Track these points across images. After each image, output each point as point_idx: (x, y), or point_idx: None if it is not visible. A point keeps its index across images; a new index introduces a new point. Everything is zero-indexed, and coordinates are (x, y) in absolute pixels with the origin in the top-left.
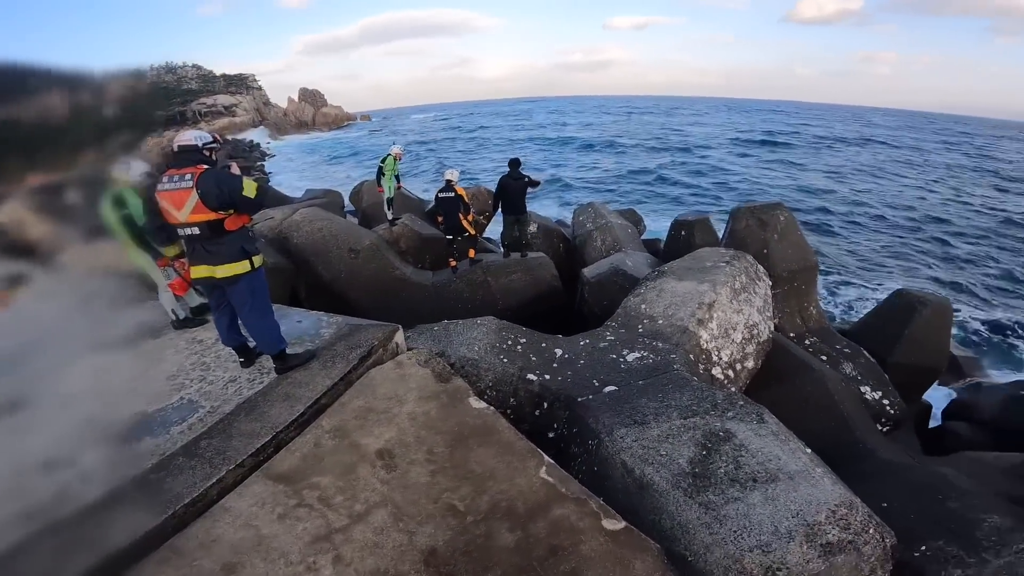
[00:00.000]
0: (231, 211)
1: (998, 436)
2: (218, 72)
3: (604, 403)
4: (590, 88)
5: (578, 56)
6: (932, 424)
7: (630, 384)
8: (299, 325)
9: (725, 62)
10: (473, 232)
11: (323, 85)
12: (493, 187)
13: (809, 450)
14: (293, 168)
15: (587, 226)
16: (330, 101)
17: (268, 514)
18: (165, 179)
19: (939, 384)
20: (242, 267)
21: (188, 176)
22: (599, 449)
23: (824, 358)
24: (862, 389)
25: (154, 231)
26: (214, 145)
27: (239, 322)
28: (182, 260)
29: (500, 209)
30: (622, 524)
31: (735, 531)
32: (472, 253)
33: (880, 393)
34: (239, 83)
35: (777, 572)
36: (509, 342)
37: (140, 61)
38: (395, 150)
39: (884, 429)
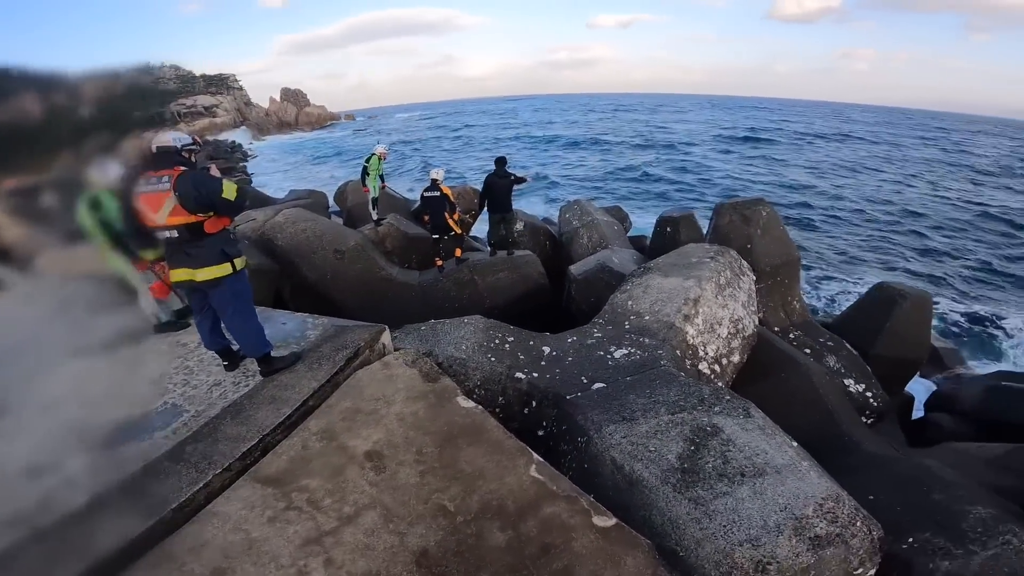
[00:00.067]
0: (210, 213)
1: (980, 427)
2: (198, 72)
3: (592, 400)
4: (575, 86)
5: (563, 54)
6: (915, 416)
7: (618, 380)
8: (284, 327)
9: (708, 59)
10: (459, 231)
11: (306, 85)
12: (479, 186)
13: (795, 443)
14: (276, 168)
15: (573, 223)
16: (313, 101)
17: (257, 517)
18: (143, 181)
19: (920, 376)
20: (223, 270)
21: (166, 178)
22: (588, 446)
23: (808, 351)
24: (846, 382)
25: (132, 234)
26: (193, 147)
27: (222, 325)
28: (162, 263)
29: (486, 208)
30: (613, 521)
31: (724, 526)
32: (459, 252)
33: (863, 386)
34: (219, 83)
35: (767, 567)
36: (497, 341)
37: (117, 61)
38: (380, 149)
39: (868, 421)
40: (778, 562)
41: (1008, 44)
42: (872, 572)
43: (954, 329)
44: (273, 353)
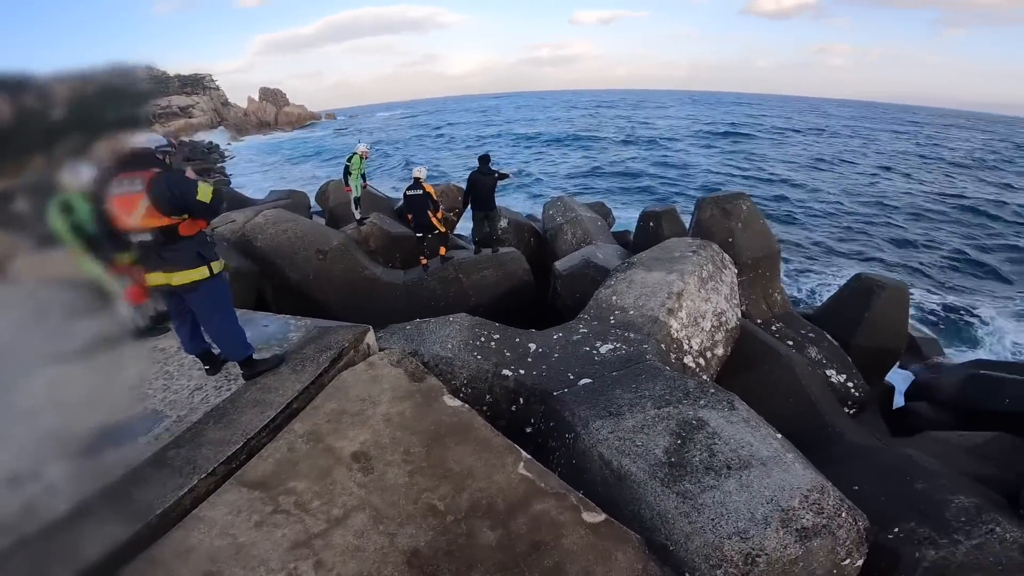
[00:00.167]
0: (185, 216)
1: (959, 415)
2: (172, 73)
3: (579, 396)
4: (558, 83)
5: (545, 51)
6: (896, 405)
7: (604, 376)
8: (266, 329)
9: (689, 55)
10: (443, 229)
11: (285, 84)
12: (463, 184)
13: (779, 435)
14: (255, 169)
15: (557, 220)
16: (293, 100)
17: (244, 522)
18: (115, 183)
19: (900, 366)
20: (199, 273)
21: (138, 180)
22: (576, 442)
23: (790, 343)
24: (828, 373)
25: (105, 237)
26: (168, 149)
27: (202, 329)
28: (137, 267)
29: (469, 205)
30: (602, 517)
31: (713, 519)
32: (443, 250)
33: (845, 376)
34: (195, 84)
35: (757, 559)
36: (483, 338)
37: (89, 62)
38: (361, 148)
39: (850, 412)
40: (767, 554)
41: (980, 39)
42: (859, 563)
43: (931, 318)
44: (255, 356)
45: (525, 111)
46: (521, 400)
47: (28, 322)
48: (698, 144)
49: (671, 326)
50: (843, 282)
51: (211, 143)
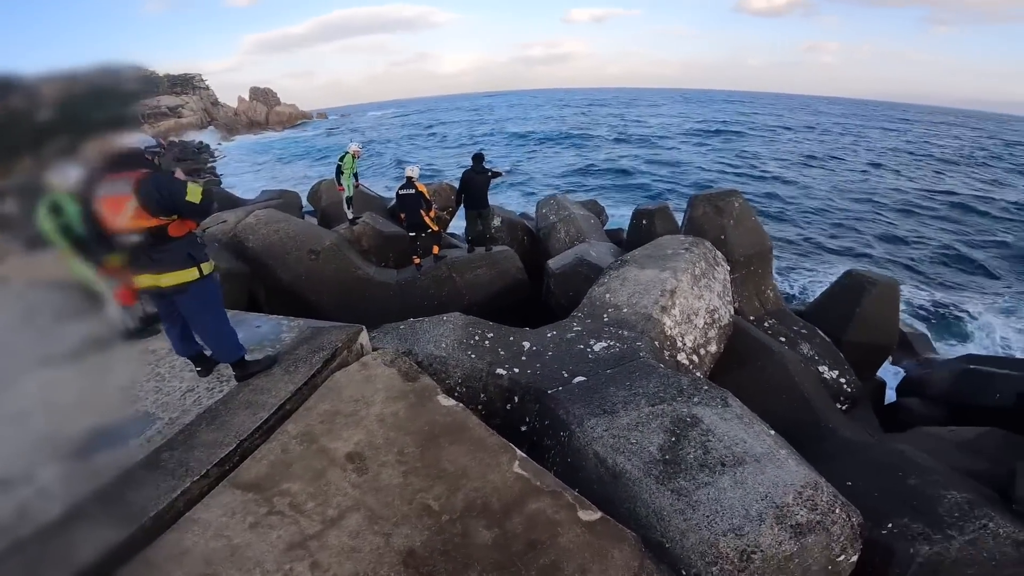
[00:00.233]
0: (174, 217)
1: (950, 410)
2: (162, 72)
3: (574, 394)
4: (551, 81)
5: (538, 50)
6: (887, 401)
7: (598, 374)
8: (258, 330)
9: (680, 54)
10: (436, 228)
11: (276, 84)
12: (456, 183)
13: (773, 432)
14: (247, 169)
15: (551, 218)
16: (284, 100)
17: (239, 523)
18: (103, 184)
19: (891, 362)
20: (189, 275)
21: (127, 181)
22: (571, 440)
23: (783, 339)
24: (820, 369)
25: (94, 239)
26: (157, 149)
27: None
28: (127, 269)
29: (463, 204)
30: (598, 515)
31: (708, 516)
32: (436, 249)
33: (837, 372)
34: (184, 83)
35: (752, 555)
36: (476, 337)
37: (76, 62)
38: (353, 147)
39: (843, 408)
40: (762, 551)
41: (969, 36)
42: (854, 559)
43: (921, 313)
44: (248, 357)
45: (518, 110)
46: (515, 399)
47: (17, 324)
48: (690, 142)
49: (664, 323)
50: (834, 278)
51: (201, 143)
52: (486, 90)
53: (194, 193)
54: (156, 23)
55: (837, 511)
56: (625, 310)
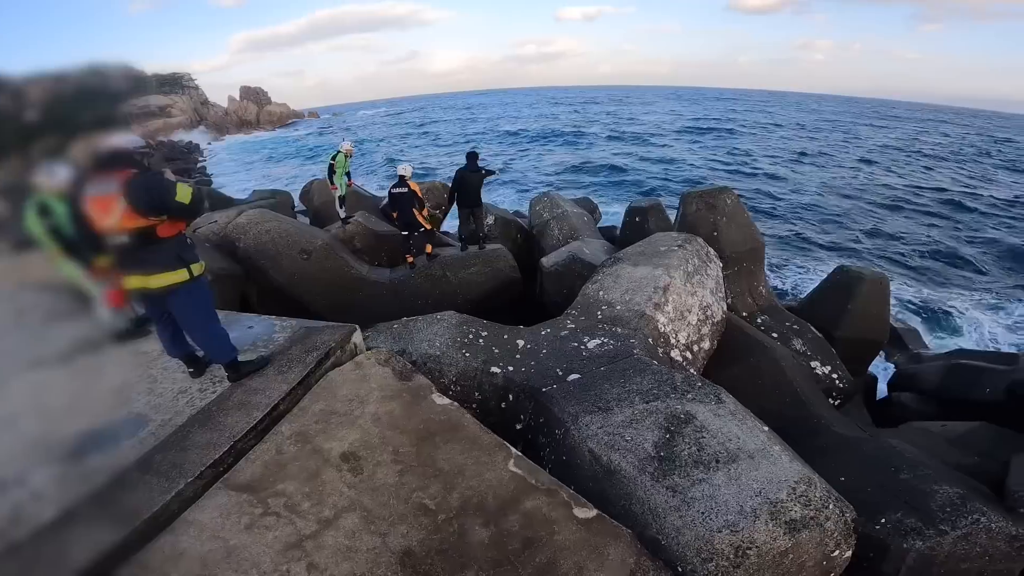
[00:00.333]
0: (163, 217)
1: (942, 405)
2: (150, 72)
3: (568, 391)
4: (543, 80)
5: (531, 48)
6: (879, 396)
7: (592, 371)
8: (251, 331)
9: (672, 51)
10: (429, 227)
11: (266, 83)
12: (448, 181)
13: (766, 428)
14: (237, 168)
15: (544, 216)
16: (275, 99)
17: (234, 524)
18: (91, 184)
19: (883, 357)
20: (179, 276)
21: (115, 181)
22: (566, 438)
23: (775, 335)
24: (812, 364)
25: (83, 240)
26: (146, 149)
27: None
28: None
29: (456, 202)
30: (593, 512)
31: (703, 512)
32: (429, 248)
33: (829, 367)
34: (173, 83)
35: (747, 551)
36: (471, 336)
37: (63, 62)
38: (346, 146)
39: (835, 403)
40: (757, 547)
41: (957, 34)
42: (848, 554)
43: (911, 307)
44: (240, 357)
45: (510, 108)
46: (510, 397)
47: (7, 327)
48: (683, 139)
49: (658, 320)
50: (825, 275)
51: (191, 143)
52: (478, 88)
53: (184, 193)
54: (142, 23)
55: (831, 507)
56: (619, 307)
